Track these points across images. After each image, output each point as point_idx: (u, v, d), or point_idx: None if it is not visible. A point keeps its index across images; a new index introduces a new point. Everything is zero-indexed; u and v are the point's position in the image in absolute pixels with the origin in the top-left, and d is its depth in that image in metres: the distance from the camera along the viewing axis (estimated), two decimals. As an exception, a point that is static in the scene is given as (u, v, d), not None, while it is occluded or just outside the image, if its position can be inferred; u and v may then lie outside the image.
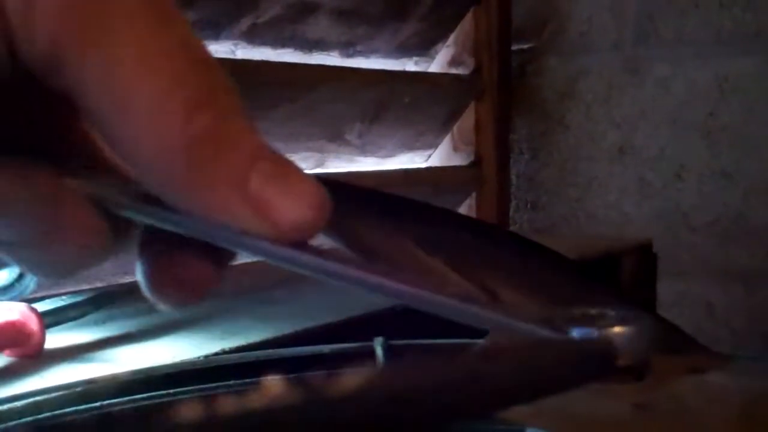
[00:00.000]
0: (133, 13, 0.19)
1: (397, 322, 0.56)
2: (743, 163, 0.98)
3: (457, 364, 0.15)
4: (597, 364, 0.19)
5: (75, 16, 0.18)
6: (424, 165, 1.10)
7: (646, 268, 0.87)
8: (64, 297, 0.64)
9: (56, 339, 0.59)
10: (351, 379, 0.13)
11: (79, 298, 0.64)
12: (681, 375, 0.23)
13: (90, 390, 0.41)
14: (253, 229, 0.20)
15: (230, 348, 0.56)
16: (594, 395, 0.21)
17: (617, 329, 0.21)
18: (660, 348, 0.24)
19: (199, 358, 0.53)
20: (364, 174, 0.99)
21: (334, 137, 0.95)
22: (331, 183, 0.30)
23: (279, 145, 0.77)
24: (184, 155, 0.19)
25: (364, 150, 1.00)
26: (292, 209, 0.20)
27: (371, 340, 0.44)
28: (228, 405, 0.12)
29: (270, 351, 0.51)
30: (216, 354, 0.55)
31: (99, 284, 0.74)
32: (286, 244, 0.21)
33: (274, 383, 0.13)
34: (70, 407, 0.37)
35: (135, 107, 0.19)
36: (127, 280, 0.74)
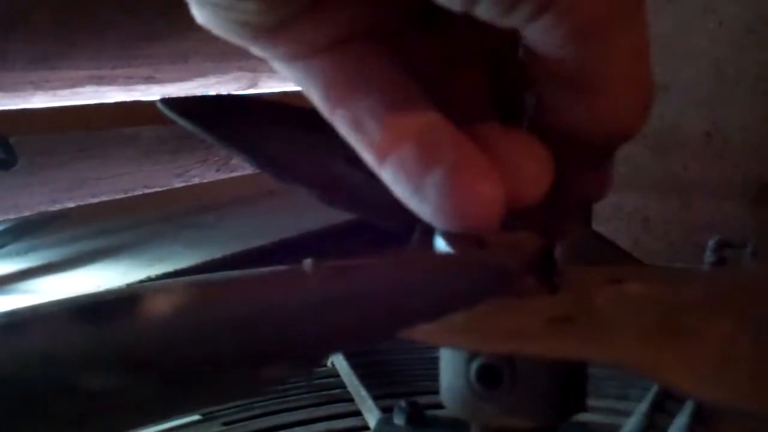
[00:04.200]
0: None
1: (329, 243, 0.55)
2: (679, 74, 0.98)
3: (329, 276, 0.13)
4: (495, 277, 0.18)
5: None
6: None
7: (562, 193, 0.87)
8: (-19, 227, 0.61)
9: (-26, 271, 0.57)
10: (157, 305, 0.11)
11: (-3, 229, 0.61)
12: (598, 286, 0.22)
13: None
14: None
15: (157, 275, 0.54)
16: (506, 310, 0.20)
17: (520, 234, 0.20)
18: (583, 260, 0.24)
19: (123, 286, 0.52)
20: (298, 94, 0.97)
21: (267, 56, 0.93)
22: (256, 102, 0.28)
23: (209, 66, 0.74)
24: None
25: (298, 69, 0.97)
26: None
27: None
28: (36, 328, 0.11)
29: (198, 276, 0.50)
30: (142, 281, 0.53)
31: (28, 213, 0.71)
32: None
33: (56, 318, 0.11)
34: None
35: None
36: (56, 208, 0.72)
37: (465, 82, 0.24)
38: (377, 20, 0.22)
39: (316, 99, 0.22)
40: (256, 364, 0.14)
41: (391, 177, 0.21)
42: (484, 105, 0.24)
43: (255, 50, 0.22)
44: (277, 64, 0.22)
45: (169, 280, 0.13)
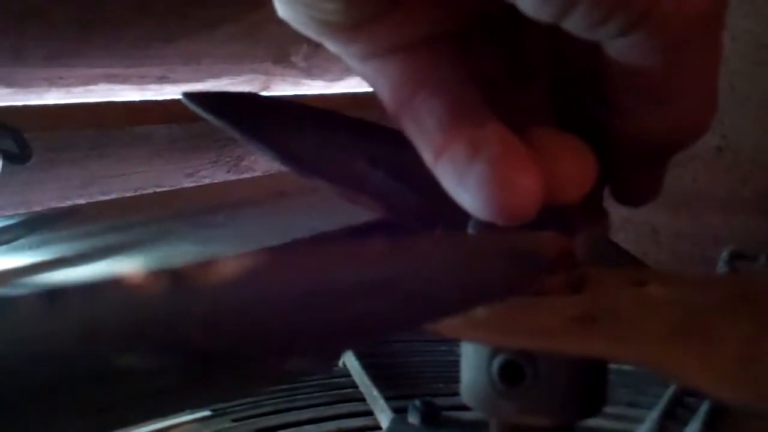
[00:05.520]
0: None
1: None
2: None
3: (370, 259, 0.13)
4: (525, 267, 0.18)
5: None
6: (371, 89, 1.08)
7: (591, 192, 0.87)
8: (-6, 221, 0.61)
9: (-13, 263, 0.57)
10: (228, 265, 0.12)
11: (10, 222, 0.61)
12: (620, 288, 0.22)
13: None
14: None
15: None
16: (530, 308, 0.20)
17: (545, 234, 0.21)
18: (600, 262, 0.24)
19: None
20: (310, 97, 0.97)
21: (280, 59, 0.93)
22: (278, 102, 0.28)
23: (222, 67, 0.74)
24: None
25: (310, 73, 0.98)
26: None
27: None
28: (74, 300, 0.10)
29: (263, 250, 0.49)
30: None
31: (38, 209, 0.72)
32: None
33: (134, 275, 0.11)
34: None
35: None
36: (66, 204, 0.72)
37: (529, 91, 0.25)
38: (450, 25, 0.23)
39: (385, 97, 0.23)
40: (283, 355, 0.14)
41: (441, 173, 0.22)
42: (545, 114, 0.25)
43: (330, 46, 0.23)
44: (350, 61, 0.23)
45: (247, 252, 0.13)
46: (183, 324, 0.11)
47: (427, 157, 0.22)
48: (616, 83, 0.22)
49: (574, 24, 0.19)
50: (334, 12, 0.21)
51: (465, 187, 0.21)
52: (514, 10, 0.20)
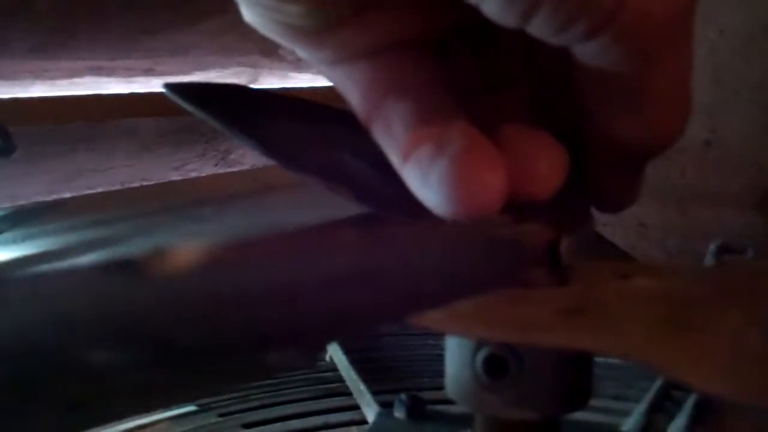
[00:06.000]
0: None
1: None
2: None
3: (341, 249, 0.13)
4: (510, 258, 0.18)
5: None
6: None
7: (574, 197, 0.87)
8: (-23, 214, 0.61)
9: (-30, 257, 0.56)
10: (182, 255, 0.11)
11: (-6, 216, 0.61)
12: (607, 280, 0.22)
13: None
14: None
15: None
16: (515, 300, 0.20)
17: (530, 226, 0.20)
18: (587, 255, 0.24)
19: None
20: (298, 90, 0.97)
21: (268, 52, 0.92)
22: (262, 93, 0.28)
23: (209, 60, 0.73)
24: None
25: (298, 66, 0.97)
26: None
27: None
28: (16, 291, 0.10)
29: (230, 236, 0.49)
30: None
31: (22, 202, 0.71)
32: None
33: (87, 271, 0.11)
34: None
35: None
36: (52, 198, 0.71)
37: (505, 98, 0.25)
38: (420, 31, 0.22)
39: (355, 103, 0.23)
40: (264, 347, 0.14)
41: (407, 175, 0.21)
42: (522, 120, 0.24)
43: (299, 51, 0.22)
44: (319, 67, 0.23)
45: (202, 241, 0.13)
46: (142, 315, 0.11)
47: (395, 160, 0.22)
48: (588, 90, 0.22)
49: (539, 28, 0.19)
50: (297, 15, 0.21)
51: (428, 185, 0.21)
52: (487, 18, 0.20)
